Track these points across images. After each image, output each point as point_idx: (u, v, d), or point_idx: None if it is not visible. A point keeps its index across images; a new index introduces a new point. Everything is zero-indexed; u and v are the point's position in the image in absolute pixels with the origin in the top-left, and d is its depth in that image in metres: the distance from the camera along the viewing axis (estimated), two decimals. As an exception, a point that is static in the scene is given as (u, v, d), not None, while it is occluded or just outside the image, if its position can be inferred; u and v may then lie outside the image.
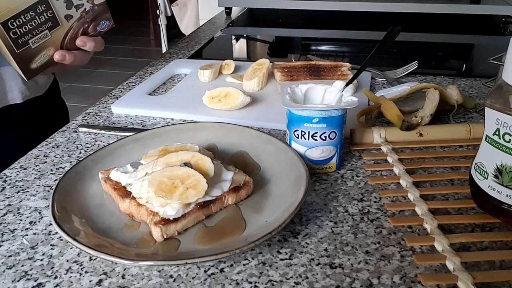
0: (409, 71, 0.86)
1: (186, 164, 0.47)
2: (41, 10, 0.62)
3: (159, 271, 0.42)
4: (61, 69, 0.71)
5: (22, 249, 0.45)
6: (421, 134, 0.63)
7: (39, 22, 0.62)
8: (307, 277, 0.41)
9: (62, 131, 0.68)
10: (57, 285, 0.41)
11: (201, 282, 0.41)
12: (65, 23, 0.65)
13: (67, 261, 0.43)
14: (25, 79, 0.66)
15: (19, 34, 0.61)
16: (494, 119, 0.43)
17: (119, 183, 0.50)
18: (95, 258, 0.43)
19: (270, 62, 0.84)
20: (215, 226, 0.47)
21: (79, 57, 0.68)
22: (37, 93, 0.82)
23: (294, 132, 0.55)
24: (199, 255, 0.40)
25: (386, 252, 0.44)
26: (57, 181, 0.50)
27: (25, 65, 0.64)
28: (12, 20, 0.60)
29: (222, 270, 0.42)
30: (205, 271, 0.42)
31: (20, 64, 0.63)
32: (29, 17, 0.62)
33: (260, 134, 0.60)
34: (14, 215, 0.50)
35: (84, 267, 0.42)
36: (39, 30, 0.63)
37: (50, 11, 0.63)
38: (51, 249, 0.45)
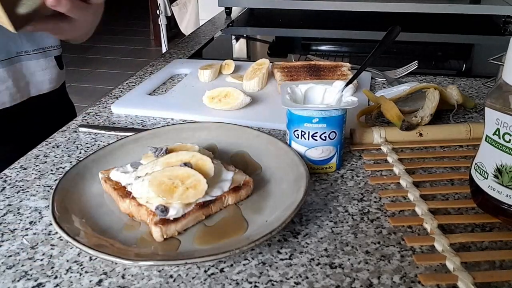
0: (409, 71, 0.86)
1: (186, 164, 0.47)
2: None
3: (159, 271, 0.42)
4: (57, 31, 0.59)
5: (22, 249, 0.45)
6: (421, 134, 0.63)
7: None
8: (307, 277, 0.41)
9: (62, 131, 0.68)
10: (57, 285, 0.41)
11: (201, 282, 0.41)
12: None
13: (67, 261, 0.43)
14: (13, 30, 0.50)
15: None
16: (494, 119, 0.43)
17: (119, 183, 0.50)
18: (95, 258, 0.43)
19: (270, 62, 0.84)
20: (215, 226, 0.47)
21: (78, 7, 0.54)
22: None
23: (294, 132, 0.55)
24: (199, 255, 0.40)
25: (386, 252, 0.44)
26: (57, 181, 0.50)
27: (10, 10, 0.49)
28: None
29: (222, 270, 0.42)
30: (205, 271, 0.42)
31: (5, 7, 0.48)
32: None
33: (260, 134, 0.60)
34: (14, 215, 0.50)
35: (84, 267, 0.42)
36: None
37: None
38: (51, 249, 0.45)
